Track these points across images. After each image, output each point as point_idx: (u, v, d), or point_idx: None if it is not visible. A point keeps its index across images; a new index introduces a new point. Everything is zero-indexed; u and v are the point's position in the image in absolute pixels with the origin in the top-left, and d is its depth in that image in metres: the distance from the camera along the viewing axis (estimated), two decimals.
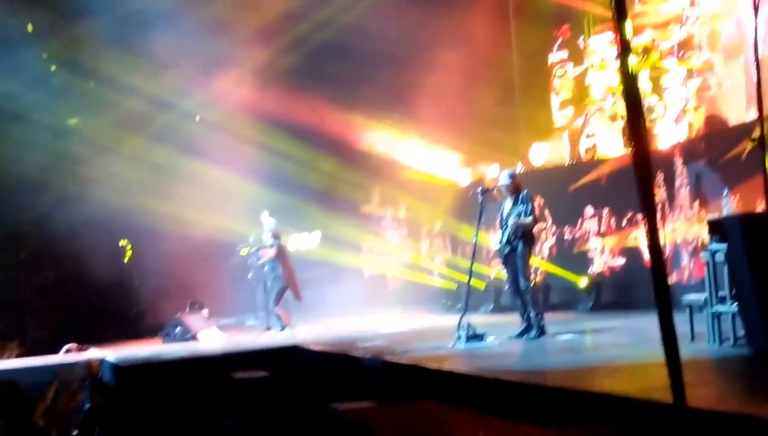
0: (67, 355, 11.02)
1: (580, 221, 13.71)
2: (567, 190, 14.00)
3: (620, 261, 12.96)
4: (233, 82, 16.83)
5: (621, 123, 14.04)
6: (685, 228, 11.71)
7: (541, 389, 6.83)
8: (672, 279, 11.51)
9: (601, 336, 9.96)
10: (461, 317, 10.03)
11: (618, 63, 4.13)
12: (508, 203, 10.16)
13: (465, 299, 10.40)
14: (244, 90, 16.83)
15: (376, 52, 16.14)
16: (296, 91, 16.85)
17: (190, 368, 11.02)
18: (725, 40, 12.75)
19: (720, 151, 11.04)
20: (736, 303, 7.55)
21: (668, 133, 13.12)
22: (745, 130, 9.79)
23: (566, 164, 15.18)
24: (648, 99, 13.26)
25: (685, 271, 11.68)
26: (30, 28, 15.46)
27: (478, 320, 10.98)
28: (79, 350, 12.97)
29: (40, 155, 15.24)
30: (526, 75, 16.49)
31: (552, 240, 14.24)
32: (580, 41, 15.45)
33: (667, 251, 11.79)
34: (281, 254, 13.45)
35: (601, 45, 14.91)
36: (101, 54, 15.89)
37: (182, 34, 15.58)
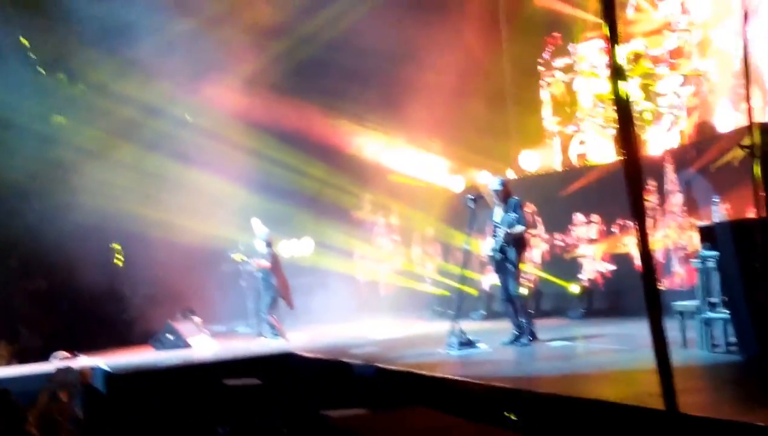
0: (59, 362, 10.97)
1: (571, 228, 13.74)
2: (558, 197, 14.03)
3: (611, 267, 12.99)
4: (224, 88, 16.82)
5: (612, 129, 14.08)
6: (676, 235, 11.74)
7: (532, 395, 6.84)
8: (663, 285, 11.54)
9: (592, 343, 9.98)
10: (453, 323, 10.05)
11: (608, 68, 4.15)
12: (499, 210, 10.19)
13: (457, 305, 10.42)
14: (234, 97, 16.81)
15: (368, 59, 16.16)
16: (287, 97, 16.85)
17: (182, 376, 10.99)
18: (716, 47, 12.82)
19: (710, 158, 11.09)
20: (727, 310, 7.58)
21: (659, 139, 13.18)
22: (735, 137, 9.85)
23: (557, 171, 15.21)
24: (638, 106, 13.31)
25: (676, 277, 11.72)
26: (21, 36, 15.43)
27: (470, 326, 10.99)
28: (71, 357, 12.93)
29: (30, 162, 15.19)
30: (517, 82, 16.54)
31: (543, 246, 14.26)
32: (571, 48, 15.51)
33: (658, 258, 11.82)
34: (274, 262, 13.44)
35: (591, 52, 14.97)
36: (91, 61, 15.85)
37: (173, 41, 15.59)
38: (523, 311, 10.07)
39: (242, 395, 8.97)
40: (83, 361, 11.92)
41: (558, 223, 14.01)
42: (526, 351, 9.68)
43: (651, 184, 11.94)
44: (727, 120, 12.03)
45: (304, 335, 13.58)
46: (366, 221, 18.79)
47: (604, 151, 14.23)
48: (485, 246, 10.72)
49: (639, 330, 7.99)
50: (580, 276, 13.39)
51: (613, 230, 12.91)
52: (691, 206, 11.47)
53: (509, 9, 16.49)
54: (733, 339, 7.59)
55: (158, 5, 14.97)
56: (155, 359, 12.38)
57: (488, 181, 11.27)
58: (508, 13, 16.46)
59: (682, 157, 11.71)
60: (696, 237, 10.15)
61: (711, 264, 7.82)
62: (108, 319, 15.60)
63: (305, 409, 8.56)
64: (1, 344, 14.17)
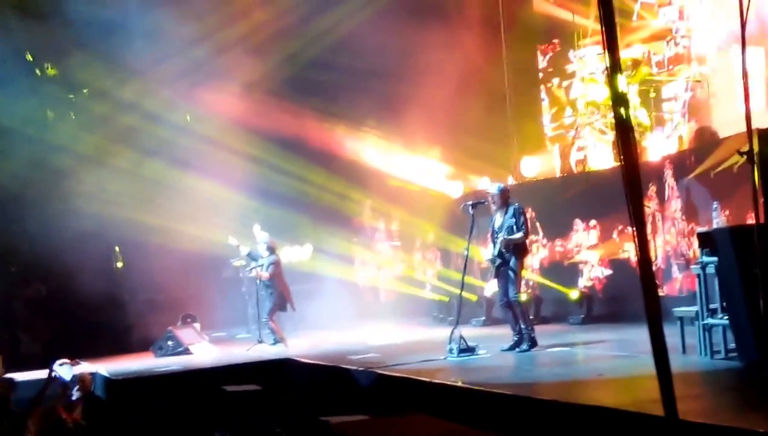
0: (60, 369, 10.95)
1: (571, 234, 13.74)
2: (558, 203, 14.02)
3: (611, 273, 12.99)
4: (223, 94, 16.84)
5: (611, 136, 14.09)
6: (675, 240, 11.75)
7: (532, 401, 6.84)
8: (663, 292, 11.53)
9: (592, 349, 9.97)
10: (453, 329, 10.05)
11: (608, 75, 4.16)
12: (499, 216, 10.19)
13: (457, 311, 10.42)
14: (234, 103, 16.83)
15: (368, 65, 16.20)
16: (286, 103, 16.88)
17: (182, 382, 10.99)
18: (715, 53, 12.85)
19: (709, 164, 11.09)
20: (726, 316, 7.58)
21: (658, 145, 13.19)
22: (734, 143, 9.86)
23: (557, 177, 15.22)
24: (637, 112, 13.34)
25: (675, 283, 11.72)
26: (20, 42, 15.45)
27: (470, 332, 10.99)
28: (72, 364, 12.89)
29: (29, 169, 15.22)
30: (517, 88, 16.55)
31: (543, 252, 14.26)
32: (570, 54, 15.54)
33: (658, 264, 11.83)
34: (276, 271, 13.44)
35: (590, 58, 14.99)
36: (91, 67, 15.89)
37: (172, 48, 15.62)
38: (523, 317, 10.07)
39: (242, 401, 8.99)
40: (84, 367, 11.90)
41: (558, 229, 14.01)
42: (526, 357, 9.68)
43: (650, 190, 11.94)
44: (726, 126, 12.04)
45: (304, 341, 13.58)
46: (366, 227, 18.80)
47: (603, 157, 14.23)
48: (485, 252, 10.72)
49: (639, 336, 8.01)
50: (579, 282, 13.39)
51: (612, 235, 12.92)
52: (691, 212, 11.47)
53: (509, 15, 16.50)
54: (732, 345, 7.59)
55: (157, 12, 15.01)
56: (155, 365, 12.37)
57: (488, 187, 11.29)
58: (507, 19, 16.47)
59: (681, 163, 11.71)
60: (695, 243, 10.14)
61: (710, 270, 7.82)
62: (108, 325, 15.61)
63: (305, 415, 8.56)
64: (1, 350, 14.15)
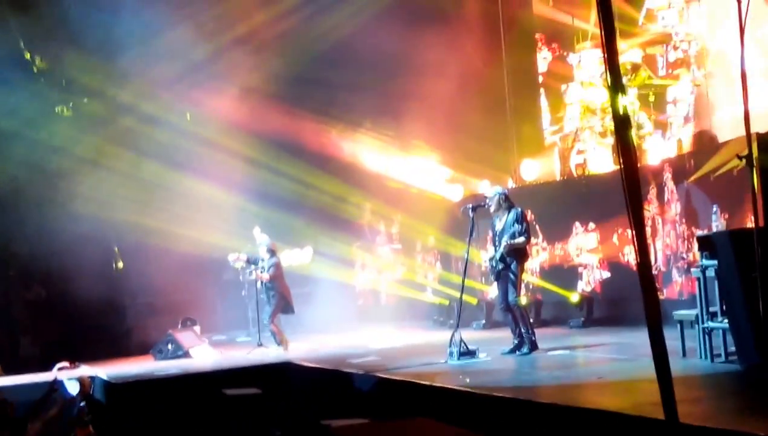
0: (60, 372, 10.96)
1: (571, 237, 13.75)
2: (558, 206, 14.03)
3: (611, 277, 12.99)
4: (223, 97, 16.85)
5: (611, 139, 14.10)
6: (675, 244, 11.76)
7: (533, 405, 6.84)
8: (663, 295, 11.54)
9: (592, 352, 9.98)
10: (453, 333, 10.05)
11: (607, 78, 4.17)
12: (500, 220, 10.20)
13: (457, 314, 10.43)
14: (233, 106, 16.84)
15: (368, 68, 16.21)
16: (286, 106, 16.89)
17: (182, 385, 10.98)
18: (714, 57, 12.86)
19: (709, 167, 11.10)
20: (726, 319, 7.59)
21: (658, 148, 13.20)
22: (734, 147, 9.86)
23: (557, 180, 15.23)
24: (637, 116, 13.35)
25: (675, 287, 11.72)
26: (19, 44, 15.46)
27: (471, 336, 10.99)
28: (71, 367, 12.90)
29: (28, 172, 15.22)
30: (517, 91, 16.56)
31: (543, 256, 14.27)
32: (570, 58, 15.55)
33: (658, 267, 11.83)
34: (277, 273, 13.44)
35: (589, 62, 15.00)
36: (90, 69, 15.90)
37: (172, 50, 15.63)
38: (523, 320, 10.08)
39: (242, 404, 8.98)
40: (83, 370, 11.90)
41: (558, 232, 14.02)
42: (526, 360, 9.68)
43: (650, 193, 11.95)
44: (725, 129, 12.06)
45: (305, 345, 13.57)
46: (366, 230, 18.80)
47: (603, 161, 14.25)
48: (486, 256, 10.72)
49: (639, 339, 8.02)
50: (579, 285, 13.40)
51: (612, 239, 12.92)
52: (690, 216, 11.48)
53: (509, 18, 16.52)
54: (732, 348, 7.60)
55: (157, 14, 15.02)
56: (155, 369, 12.37)
57: (487, 191, 11.30)
58: (507, 23, 16.49)
59: (680, 167, 11.72)
60: (695, 246, 10.15)
61: (710, 273, 7.83)
62: (107, 328, 15.60)
63: (305, 418, 8.56)
64: (1, 353, 14.15)
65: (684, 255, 11.53)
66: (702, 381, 7.29)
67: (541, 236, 14.22)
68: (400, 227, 18.13)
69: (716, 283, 7.73)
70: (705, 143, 12.16)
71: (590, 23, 14.69)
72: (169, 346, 13.55)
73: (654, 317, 3.91)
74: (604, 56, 4.02)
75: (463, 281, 10.51)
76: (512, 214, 10.08)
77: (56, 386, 8.99)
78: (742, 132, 5.44)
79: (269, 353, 12.89)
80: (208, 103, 16.76)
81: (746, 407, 6.11)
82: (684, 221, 11.51)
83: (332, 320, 16.55)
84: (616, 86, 4.02)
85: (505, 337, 10.66)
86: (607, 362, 9.10)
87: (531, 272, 13.86)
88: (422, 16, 16.11)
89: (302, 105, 17.03)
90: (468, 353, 9.88)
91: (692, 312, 8.29)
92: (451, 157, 16.78)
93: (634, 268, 11.14)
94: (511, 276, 10.01)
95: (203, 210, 16.41)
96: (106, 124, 16.32)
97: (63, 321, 15.32)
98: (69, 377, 9.97)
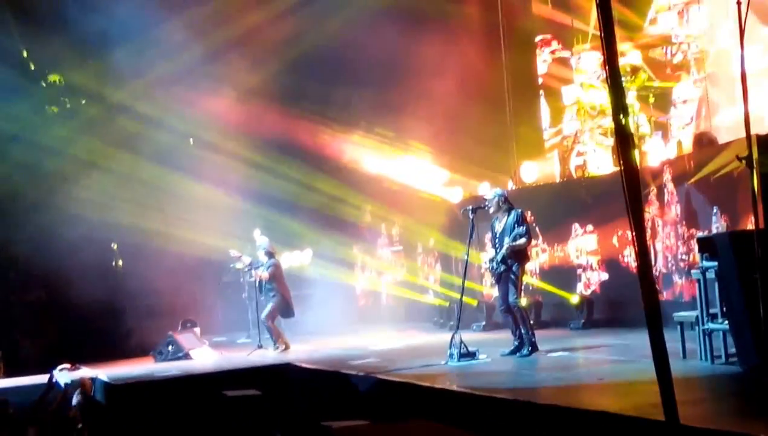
0: (60, 374, 10.98)
1: (570, 238, 13.75)
2: (557, 208, 14.03)
3: (612, 278, 12.99)
4: (223, 100, 16.86)
5: (611, 141, 14.11)
6: (675, 246, 11.76)
7: (533, 406, 6.84)
8: (663, 296, 11.54)
9: (592, 353, 9.98)
10: (453, 334, 10.05)
11: (606, 80, 4.18)
12: (499, 222, 10.20)
13: (457, 316, 10.43)
14: (234, 108, 16.85)
15: (369, 71, 16.23)
16: (287, 109, 16.90)
17: (182, 387, 10.98)
18: (713, 59, 12.87)
19: (709, 169, 11.10)
20: (727, 320, 7.59)
21: (658, 150, 13.21)
22: (733, 148, 9.86)
23: (557, 182, 15.23)
24: (636, 117, 13.36)
25: (675, 288, 11.72)
26: (19, 45, 15.46)
27: (471, 337, 10.99)
28: (72, 369, 12.91)
29: (28, 173, 15.22)
30: (517, 93, 16.57)
31: (543, 257, 14.27)
32: (570, 60, 15.57)
33: (658, 269, 11.83)
34: (276, 273, 13.45)
35: (589, 63, 15.01)
36: (90, 71, 15.91)
37: (173, 54, 15.64)
38: (524, 321, 10.08)
39: (242, 405, 8.97)
40: (84, 372, 11.91)
41: (557, 234, 14.02)
42: (527, 362, 9.68)
43: (650, 195, 11.96)
44: (725, 131, 12.07)
45: (305, 346, 13.57)
46: (367, 232, 18.81)
47: (603, 163, 14.25)
48: (486, 257, 10.72)
49: (639, 341, 8.02)
50: (579, 287, 13.40)
51: (612, 240, 12.92)
52: (690, 217, 11.48)
53: (508, 21, 16.53)
54: (732, 350, 7.60)
55: (157, 17, 15.03)
56: (155, 370, 12.37)
57: (487, 192, 11.30)
58: (507, 25, 16.50)
59: (680, 168, 11.72)
60: (695, 248, 10.15)
61: (710, 275, 7.83)
62: (108, 330, 15.59)
63: (305, 420, 8.56)
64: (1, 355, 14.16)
65: (684, 257, 11.53)
66: (702, 383, 7.29)
67: (540, 238, 14.22)
68: (400, 229, 18.14)
69: (716, 284, 7.73)
70: (704, 145, 12.16)
71: (590, 25, 14.71)
72: (170, 347, 13.56)
73: (654, 318, 3.92)
74: (603, 58, 4.03)
75: (463, 283, 10.52)
76: (512, 216, 10.08)
77: (54, 386, 8.98)
78: (742, 133, 5.44)
79: (269, 355, 12.91)
80: (208, 105, 16.77)
81: (746, 408, 6.12)
82: (684, 222, 11.51)
83: (332, 322, 16.55)
84: (616, 87, 4.03)
85: (505, 338, 10.66)
86: (607, 363, 9.10)
87: (531, 274, 13.86)
88: (422, 19, 16.13)
89: (303, 107, 17.04)
90: (468, 355, 9.89)
91: (692, 314, 8.29)
92: (451, 159, 16.79)
93: (634, 270, 11.15)
94: (512, 277, 10.02)
95: (203, 212, 16.42)
96: (105, 125, 16.32)
97: (63, 323, 15.31)
98: (69, 378, 9.97)
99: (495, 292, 13.32)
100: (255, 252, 13.96)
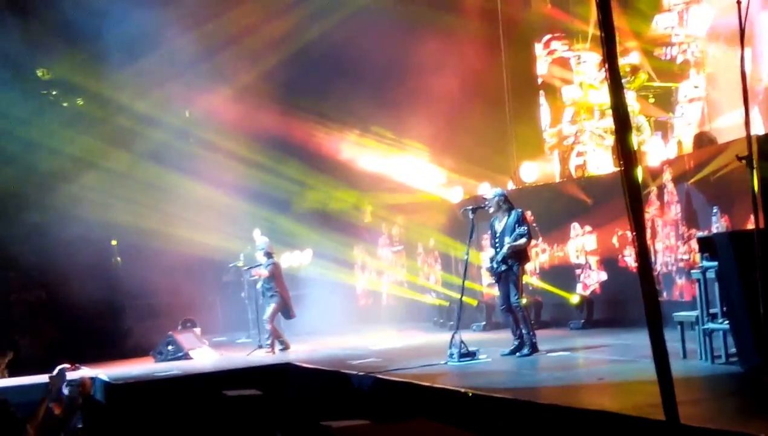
0: (60, 373, 10.97)
1: (571, 238, 13.75)
2: (557, 208, 14.03)
3: (611, 278, 12.99)
4: (221, 99, 16.86)
5: (610, 141, 14.11)
6: (675, 245, 11.75)
7: (533, 406, 6.84)
8: (663, 296, 11.53)
9: (593, 353, 9.98)
10: (453, 334, 10.06)
11: (606, 81, 4.17)
12: (499, 221, 10.20)
13: (457, 316, 10.43)
14: (232, 107, 16.85)
15: (368, 70, 16.22)
16: (286, 108, 16.90)
17: (182, 387, 10.99)
18: (714, 59, 12.87)
19: (709, 169, 11.10)
20: (727, 320, 7.59)
21: (658, 150, 13.21)
22: (733, 148, 9.86)
23: (557, 182, 15.23)
24: (636, 118, 13.36)
25: (676, 288, 11.72)
26: (17, 44, 15.46)
27: (471, 337, 10.99)
28: (72, 368, 12.90)
29: (27, 173, 15.22)
30: (517, 93, 16.56)
31: (543, 257, 14.27)
32: (570, 60, 15.56)
33: (658, 269, 11.83)
34: (276, 272, 13.45)
35: (589, 63, 15.01)
36: (89, 71, 15.91)
37: (172, 52, 15.64)
38: (524, 321, 10.08)
39: (242, 405, 8.97)
40: (84, 372, 11.91)
41: (558, 233, 14.02)
42: (527, 362, 9.69)
43: (650, 195, 11.95)
44: (725, 131, 12.06)
45: (305, 346, 13.58)
46: (367, 232, 18.81)
47: (603, 163, 14.26)
48: (486, 257, 10.73)
49: (639, 341, 8.03)
50: (579, 287, 13.39)
51: (612, 240, 12.92)
52: (690, 217, 11.48)
53: (508, 21, 16.52)
54: (733, 350, 7.60)
55: (154, 16, 15.03)
56: (155, 370, 12.38)
57: (487, 192, 11.30)
58: (507, 25, 16.49)
59: (681, 168, 11.72)
60: (695, 248, 10.15)
61: (711, 275, 7.83)
62: (107, 330, 15.61)
63: (305, 420, 8.56)
64: (0, 354, 14.15)
65: (684, 257, 11.52)
66: (702, 382, 7.30)
67: (540, 238, 14.22)
68: (400, 229, 18.14)
69: (716, 284, 7.73)
70: (704, 145, 12.16)
71: (590, 25, 14.70)
72: (170, 347, 13.56)
73: (654, 318, 3.91)
74: (604, 58, 4.02)
75: (463, 283, 10.52)
76: (513, 216, 10.08)
77: (54, 386, 8.97)
78: (742, 133, 5.44)
79: (269, 355, 12.91)
80: (207, 104, 16.78)
81: (747, 408, 6.12)
82: (684, 222, 11.51)
83: (333, 322, 16.56)
84: (616, 88, 4.02)
85: (505, 338, 10.66)
86: (607, 363, 9.10)
87: (531, 274, 13.86)
88: (421, 18, 16.12)
89: (303, 107, 17.04)
90: (468, 355, 9.89)
91: (692, 313, 8.29)
92: (451, 159, 16.79)
93: (634, 269, 11.15)
94: (513, 277, 10.02)
95: (203, 212, 16.42)
96: (104, 124, 16.33)
97: (63, 323, 15.33)
98: (69, 378, 9.95)
99: (494, 291, 13.37)
100: (254, 253, 13.96)
